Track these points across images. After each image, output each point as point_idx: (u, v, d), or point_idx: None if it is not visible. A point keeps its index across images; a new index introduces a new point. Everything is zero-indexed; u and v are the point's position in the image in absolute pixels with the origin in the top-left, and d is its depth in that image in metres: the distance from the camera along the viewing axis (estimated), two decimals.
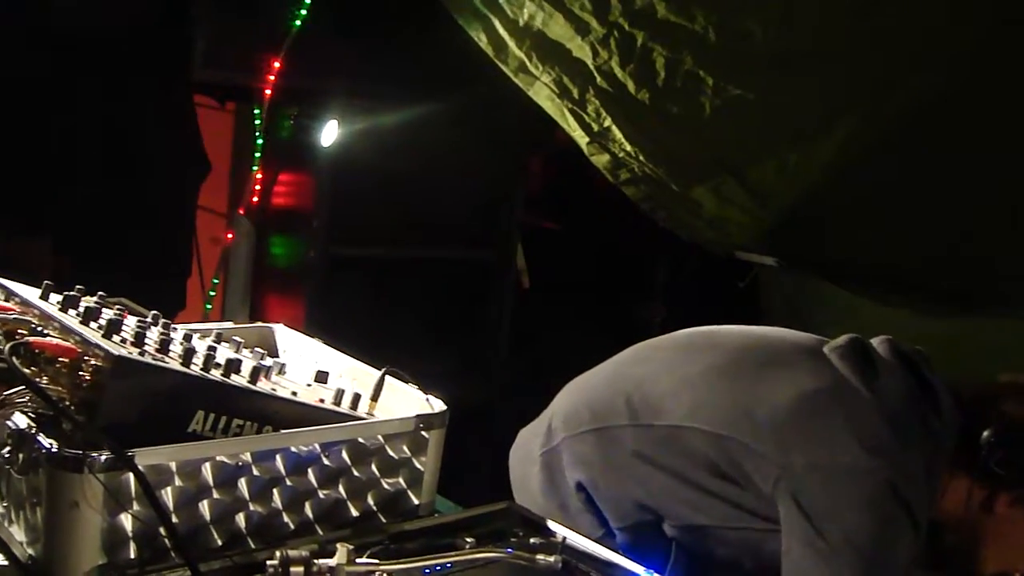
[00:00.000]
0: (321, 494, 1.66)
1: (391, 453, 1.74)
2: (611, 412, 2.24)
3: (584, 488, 2.25)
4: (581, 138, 3.58)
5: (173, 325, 1.82)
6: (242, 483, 1.56)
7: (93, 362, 1.47)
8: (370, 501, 1.73)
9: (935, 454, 2.03)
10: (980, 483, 2.06)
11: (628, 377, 2.29)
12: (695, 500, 2.12)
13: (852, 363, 2.08)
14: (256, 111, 4.27)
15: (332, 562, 1.45)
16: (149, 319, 1.79)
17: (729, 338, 2.31)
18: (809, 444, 2.00)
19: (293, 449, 1.61)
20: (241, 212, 4.40)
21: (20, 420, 1.49)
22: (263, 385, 1.68)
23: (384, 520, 1.74)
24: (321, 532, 1.66)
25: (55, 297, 1.74)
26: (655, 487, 2.16)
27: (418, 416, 1.77)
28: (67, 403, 1.47)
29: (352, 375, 1.98)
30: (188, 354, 1.59)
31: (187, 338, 1.74)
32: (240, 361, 1.68)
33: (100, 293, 1.83)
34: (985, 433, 2.02)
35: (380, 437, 1.72)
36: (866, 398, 2.02)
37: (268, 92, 4.19)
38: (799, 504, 1.97)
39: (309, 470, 1.64)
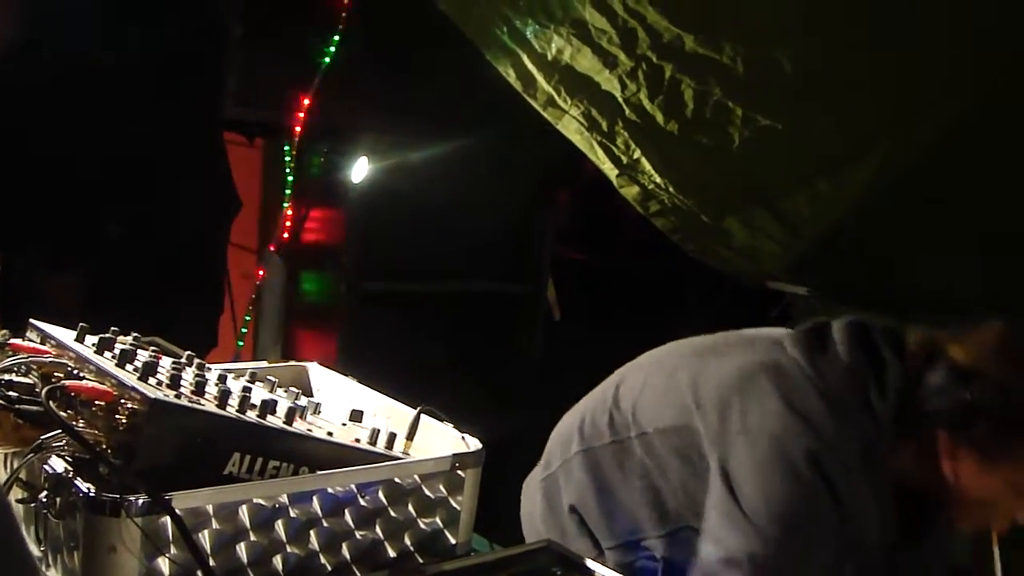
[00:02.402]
0: (358, 535, 1.65)
1: (427, 493, 1.73)
2: (595, 432, 2.27)
3: (576, 510, 2.27)
4: (611, 170, 3.58)
5: (208, 365, 1.82)
6: (279, 525, 1.55)
7: (129, 405, 1.48)
8: (407, 541, 1.72)
9: (877, 435, 1.97)
10: (927, 439, 1.97)
11: (611, 396, 2.31)
12: (675, 502, 2.12)
13: (801, 342, 2.07)
14: (286, 148, 4.29)
15: None
16: (184, 360, 1.79)
17: (702, 342, 2.31)
18: (743, 412, 2.00)
19: (330, 490, 1.61)
20: (272, 249, 4.41)
21: (57, 464, 1.49)
22: (299, 426, 1.68)
23: (421, 560, 1.73)
24: (359, 573, 1.65)
25: (91, 339, 1.75)
26: (636, 498, 2.17)
27: (454, 455, 1.76)
28: (104, 447, 1.47)
29: (387, 413, 1.97)
30: (224, 396, 1.59)
31: (222, 379, 1.74)
32: (275, 402, 1.67)
33: (134, 334, 1.84)
34: (929, 383, 1.94)
35: (416, 477, 1.72)
36: (806, 373, 2.00)
37: (298, 129, 4.21)
38: (724, 469, 1.96)
39: (346, 511, 1.63)
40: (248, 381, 1.84)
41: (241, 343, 4.36)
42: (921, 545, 2.12)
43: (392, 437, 1.79)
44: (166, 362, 1.72)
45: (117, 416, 1.48)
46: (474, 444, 1.82)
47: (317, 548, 1.61)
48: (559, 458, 2.35)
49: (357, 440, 1.75)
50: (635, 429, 2.19)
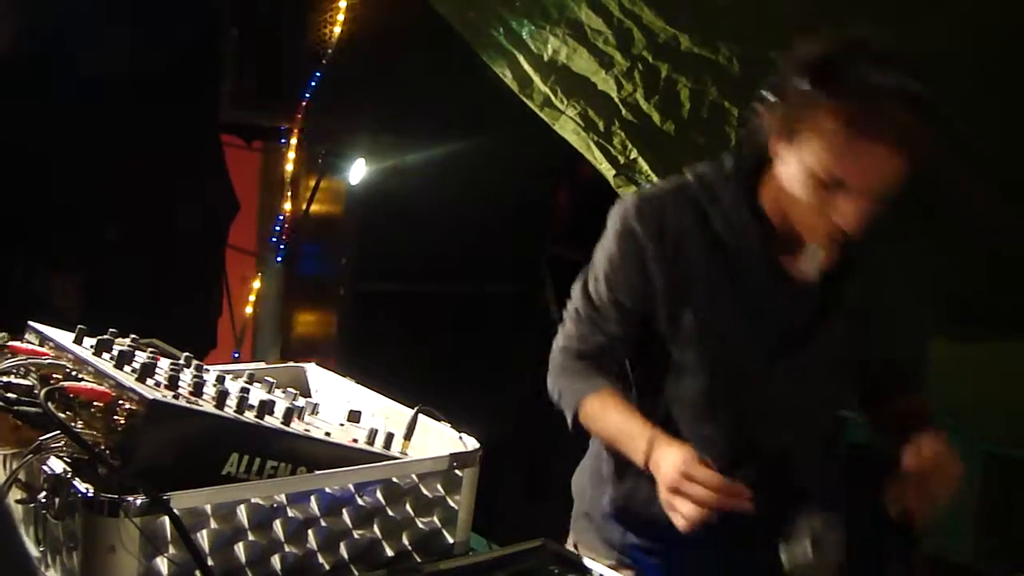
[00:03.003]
0: (356, 534, 1.66)
1: (425, 492, 1.74)
2: None
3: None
4: (607, 171, 3.58)
5: (206, 366, 1.83)
6: (277, 525, 1.56)
7: (128, 406, 1.48)
8: (405, 541, 1.73)
9: (723, 180, 2.06)
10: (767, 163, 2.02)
11: None
12: None
13: None
14: (284, 150, 4.29)
15: None
16: (182, 361, 1.80)
17: None
18: None
19: (327, 490, 1.61)
20: (270, 251, 4.42)
21: (56, 465, 1.49)
22: (296, 426, 1.68)
23: (419, 559, 1.74)
24: (356, 573, 1.66)
25: (89, 341, 1.75)
26: None
27: (452, 455, 1.76)
28: (102, 447, 1.47)
29: (385, 414, 1.97)
30: (222, 396, 1.59)
31: (220, 380, 1.74)
32: (273, 402, 1.68)
33: (133, 335, 1.84)
34: None
35: (414, 476, 1.72)
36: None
37: (296, 132, 4.21)
38: None
39: (343, 511, 1.64)
40: (246, 382, 1.84)
41: (239, 345, 4.36)
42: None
43: (390, 437, 1.80)
44: (164, 363, 1.72)
45: (115, 417, 1.49)
46: (471, 444, 1.82)
47: (315, 548, 1.61)
48: None
49: (355, 440, 1.75)
50: None
